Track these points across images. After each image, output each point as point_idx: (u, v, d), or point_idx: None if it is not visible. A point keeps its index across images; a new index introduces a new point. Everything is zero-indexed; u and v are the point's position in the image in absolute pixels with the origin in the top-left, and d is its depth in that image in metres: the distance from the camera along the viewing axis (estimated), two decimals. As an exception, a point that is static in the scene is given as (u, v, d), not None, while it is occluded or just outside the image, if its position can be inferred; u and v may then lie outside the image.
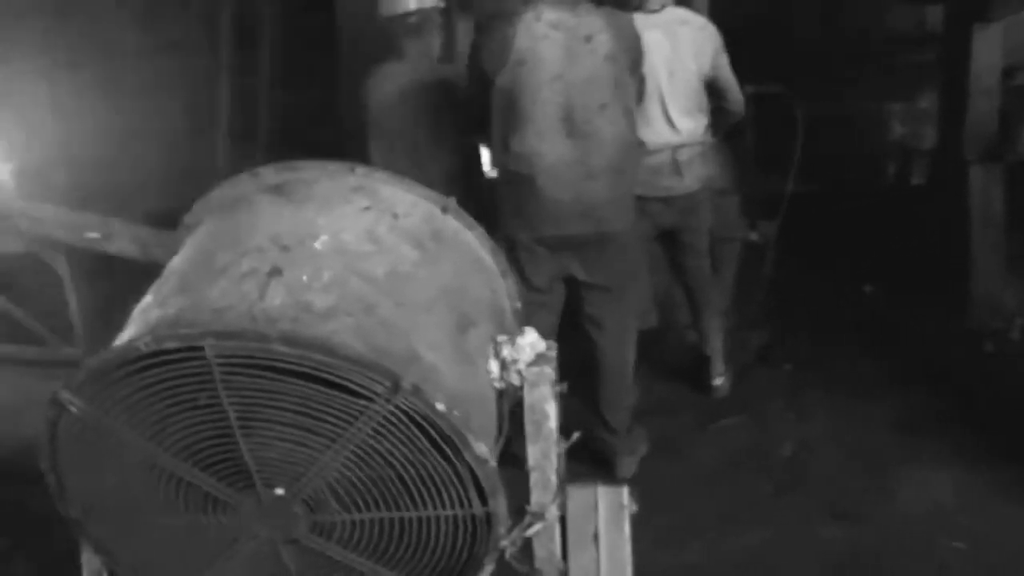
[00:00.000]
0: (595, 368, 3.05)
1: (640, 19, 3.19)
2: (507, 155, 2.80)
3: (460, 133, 3.22)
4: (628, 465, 3.06)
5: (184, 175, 4.74)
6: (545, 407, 1.45)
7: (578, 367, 3.02)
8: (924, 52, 6.06)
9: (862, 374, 3.76)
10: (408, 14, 3.32)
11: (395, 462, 1.27)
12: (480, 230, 1.64)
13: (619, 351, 3.05)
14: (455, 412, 1.23)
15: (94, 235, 3.74)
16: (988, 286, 4.11)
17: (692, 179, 3.34)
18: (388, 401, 1.22)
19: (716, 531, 2.74)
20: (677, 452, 3.25)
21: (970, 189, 4.07)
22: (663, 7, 3.25)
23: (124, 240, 3.72)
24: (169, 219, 4.26)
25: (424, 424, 1.24)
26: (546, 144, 2.74)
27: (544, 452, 1.46)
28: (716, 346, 3.62)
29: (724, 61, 3.34)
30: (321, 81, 4.42)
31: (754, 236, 5.03)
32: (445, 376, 1.31)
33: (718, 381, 3.64)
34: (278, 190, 1.53)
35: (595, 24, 2.72)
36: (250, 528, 1.37)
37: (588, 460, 2.86)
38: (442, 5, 3.36)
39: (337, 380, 1.22)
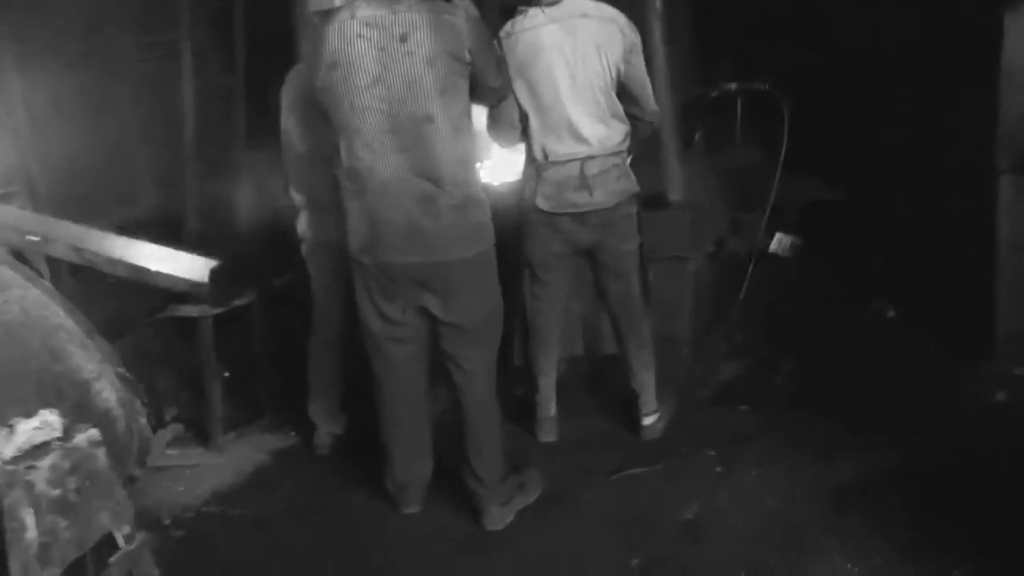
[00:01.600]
0: (459, 410, 2.75)
1: (535, 14, 2.83)
2: (341, 170, 2.53)
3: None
4: (497, 517, 2.73)
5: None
6: (20, 514, 1.21)
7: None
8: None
9: (834, 422, 3.16)
10: (324, 11, 3.11)
11: None
12: (46, 284, 1.41)
13: (481, 392, 2.71)
14: None
15: (33, 238, 3.81)
16: (1015, 322, 3.40)
17: (604, 194, 2.92)
18: None
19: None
20: (566, 503, 2.86)
21: (999, 206, 3.37)
22: None
23: (61, 246, 3.76)
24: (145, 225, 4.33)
25: None
26: (378, 159, 2.44)
27: (24, 567, 1.22)
28: (644, 381, 3.17)
29: (637, 60, 2.89)
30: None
31: (774, 248, 4.52)
32: None
33: (647, 421, 3.19)
34: None
35: (412, 20, 2.37)
36: None
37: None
38: None
39: None
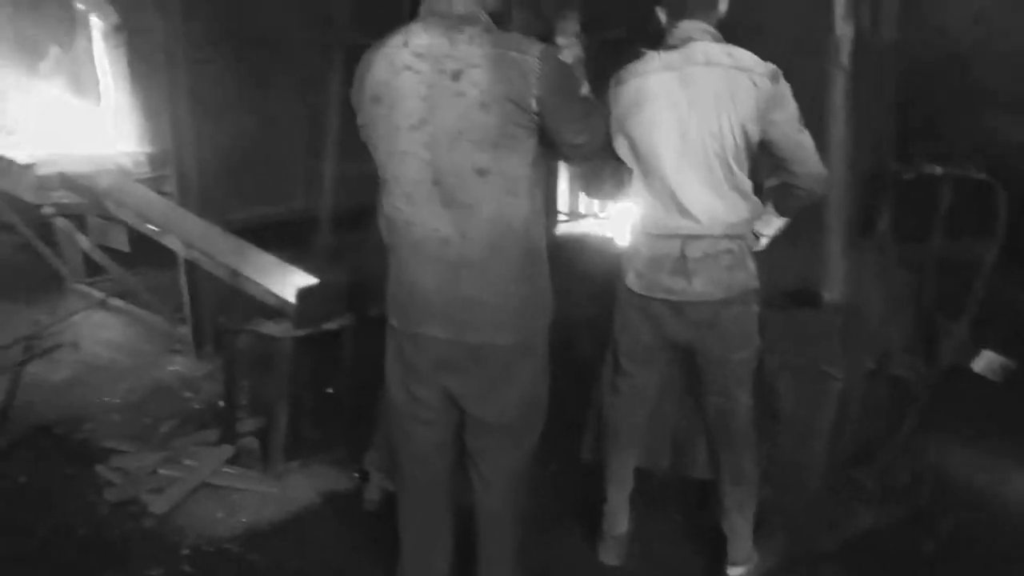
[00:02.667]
0: (475, 517, 2.27)
1: (650, 58, 2.29)
2: (381, 216, 2.14)
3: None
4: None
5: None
6: None
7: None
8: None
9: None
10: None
11: None
12: None
13: (497, 501, 2.23)
14: None
15: (153, 228, 3.82)
16: None
17: (707, 284, 2.31)
18: None
19: None
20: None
21: None
22: (687, 41, 2.26)
23: (175, 240, 3.75)
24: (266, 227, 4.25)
25: None
26: (417, 212, 2.03)
27: None
28: (736, 525, 2.51)
29: (784, 117, 2.24)
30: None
31: (981, 368, 3.64)
32: None
33: (733, 573, 2.53)
34: None
35: (469, 55, 1.90)
36: None
37: None
38: None
39: None
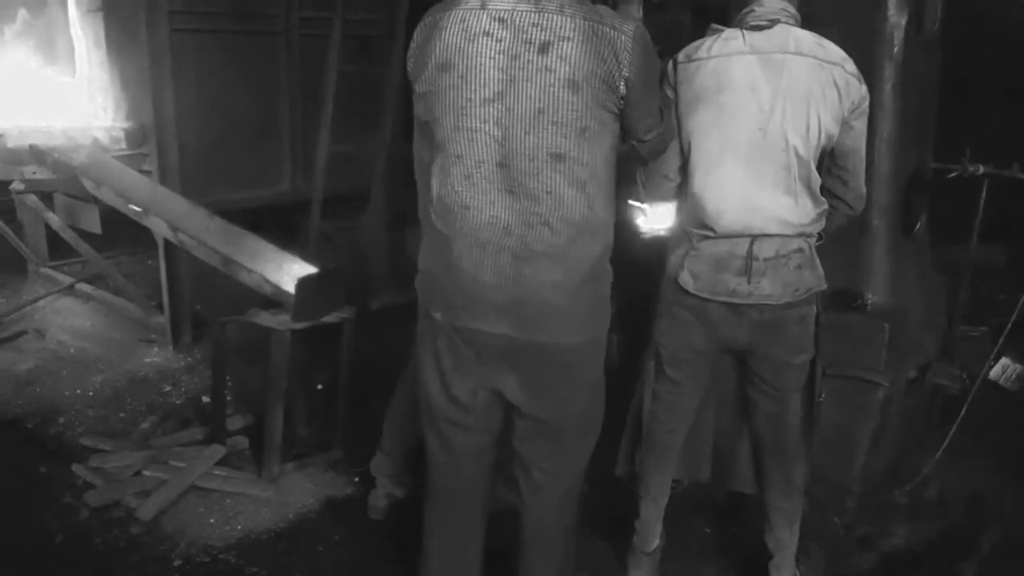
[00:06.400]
0: (517, 528, 2.08)
1: (732, 36, 2.11)
2: (430, 202, 1.92)
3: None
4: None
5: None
6: None
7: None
8: None
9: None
10: None
11: None
12: None
13: (550, 517, 2.05)
14: None
15: (136, 208, 3.55)
16: None
17: (775, 285, 2.14)
18: None
19: None
20: None
21: None
22: (774, 23, 2.09)
23: (160, 222, 3.48)
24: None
25: None
26: (478, 196, 1.82)
27: None
28: (783, 540, 2.36)
29: (861, 125, 2.10)
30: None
31: (995, 375, 3.55)
32: None
33: (777, 589, 2.39)
34: None
35: (560, 26, 1.71)
36: None
37: None
38: None
39: None
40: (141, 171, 3.94)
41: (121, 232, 4.09)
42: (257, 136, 4.25)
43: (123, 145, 4.03)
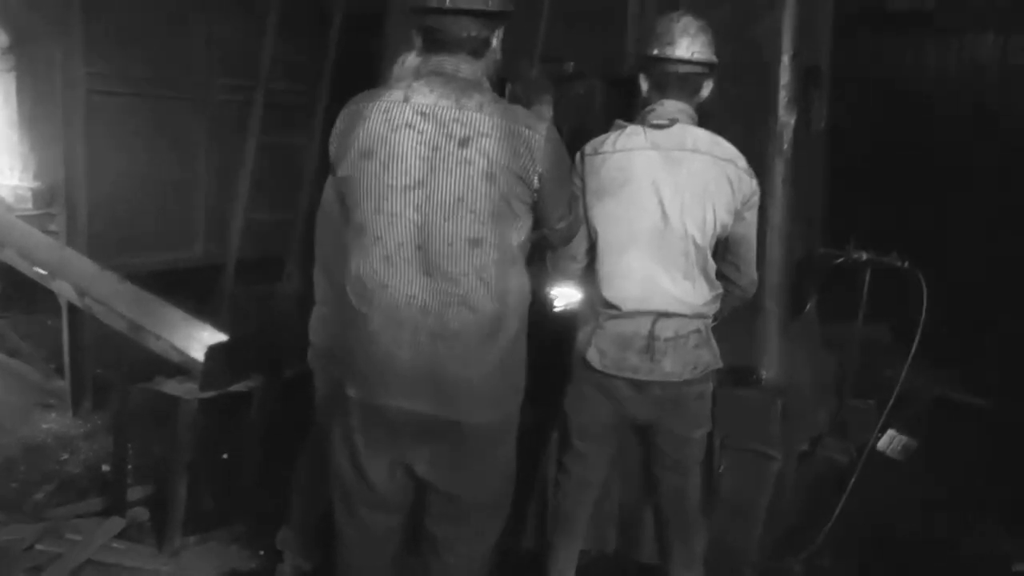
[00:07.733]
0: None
1: (634, 133, 2.27)
2: (347, 279, 1.98)
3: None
4: None
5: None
6: None
7: None
8: None
9: None
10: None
11: None
12: None
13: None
14: None
15: (40, 271, 3.47)
16: None
17: (675, 363, 2.27)
18: None
19: None
20: None
21: None
22: (673, 122, 2.26)
23: (66, 286, 3.41)
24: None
25: None
26: (396, 276, 1.89)
27: None
28: (683, 610, 2.45)
29: (752, 216, 2.29)
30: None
31: (883, 446, 3.77)
32: None
33: (677, 659, 2.46)
34: None
35: (479, 123, 1.83)
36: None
37: None
38: None
39: None
40: (47, 232, 3.86)
41: (18, 291, 3.96)
42: (171, 199, 4.22)
43: (29, 205, 3.94)
